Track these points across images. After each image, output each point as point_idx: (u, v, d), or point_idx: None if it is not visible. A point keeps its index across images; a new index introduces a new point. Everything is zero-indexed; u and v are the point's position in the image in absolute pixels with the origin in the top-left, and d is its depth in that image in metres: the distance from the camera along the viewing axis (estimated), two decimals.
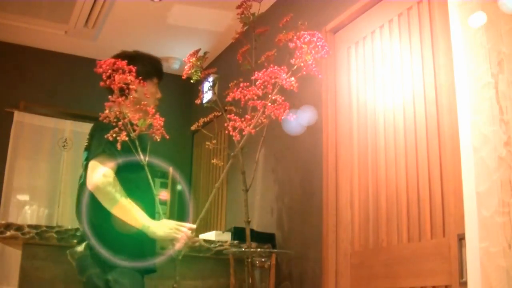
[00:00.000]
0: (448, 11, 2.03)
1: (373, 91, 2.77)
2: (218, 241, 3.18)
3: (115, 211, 2.09)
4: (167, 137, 1.91)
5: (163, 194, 4.95)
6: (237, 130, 1.90)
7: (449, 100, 2.25)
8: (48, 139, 4.82)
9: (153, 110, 1.98)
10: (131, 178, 2.17)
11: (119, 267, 2.10)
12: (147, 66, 2.40)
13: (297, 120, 3.15)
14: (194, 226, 2.13)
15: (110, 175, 2.10)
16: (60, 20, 4.42)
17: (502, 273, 1.63)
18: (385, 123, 2.66)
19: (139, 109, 2.04)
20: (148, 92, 2.23)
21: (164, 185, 4.95)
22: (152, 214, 2.20)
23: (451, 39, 1.99)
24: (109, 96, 1.93)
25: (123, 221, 2.10)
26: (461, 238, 2.02)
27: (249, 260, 2.90)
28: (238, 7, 3.00)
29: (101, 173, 2.09)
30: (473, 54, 1.84)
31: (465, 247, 1.82)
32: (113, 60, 1.90)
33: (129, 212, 2.10)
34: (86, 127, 4.48)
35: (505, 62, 1.74)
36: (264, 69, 1.93)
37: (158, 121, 1.90)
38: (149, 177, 1.99)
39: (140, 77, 1.95)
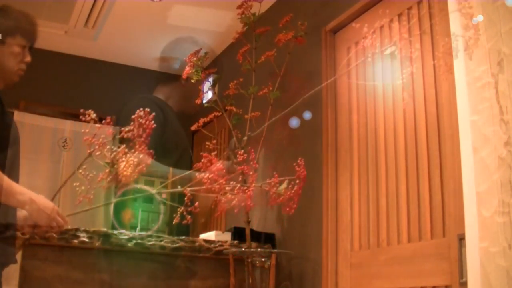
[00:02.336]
0: (448, 11, 2.03)
1: (373, 91, 2.77)
2: (218, 241, 3.18)
3: None
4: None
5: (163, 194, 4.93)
6: None
7: (449, 100, 2.25)
8: (48, 139, 4.82)
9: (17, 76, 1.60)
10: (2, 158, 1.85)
11: None
12: (9, 21, 2.05)
13: (297, 120, 3.15)
14: (67, 224, 1.87)
15: None
16: (60, 20, 4.42)
17: (502, 273, 1.63)
18: (385, 123, 2.66)
19: None
20: (7, 52, 1.95)
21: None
22: None
23: (451, 39, 1.99)
24: None
25: None
26: (461, 238, 2.02)
27: (249, 260, 2.90)
28: (238, 7, 3.00)
29: None
30: (473, 54, 1.84)
31: (465, 247, 1.82)
32: None
33: (9, 187, 1.80)
34: (86, 127, 4.45)
35: (505, 62, 1.74)
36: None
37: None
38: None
39: None
